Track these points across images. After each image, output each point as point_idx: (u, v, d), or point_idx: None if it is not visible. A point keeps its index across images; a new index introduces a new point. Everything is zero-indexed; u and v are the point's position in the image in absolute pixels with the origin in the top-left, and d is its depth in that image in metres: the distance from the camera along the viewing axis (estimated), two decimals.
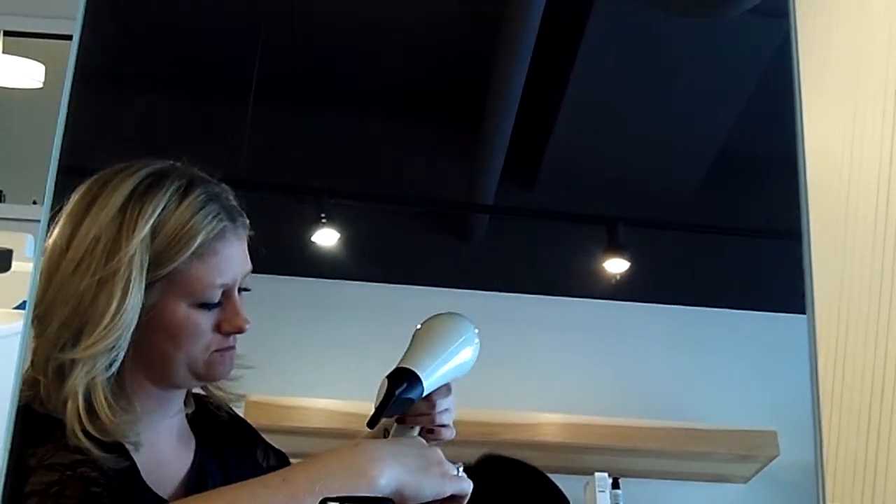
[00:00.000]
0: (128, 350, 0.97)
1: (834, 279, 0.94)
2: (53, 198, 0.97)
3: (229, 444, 1.12)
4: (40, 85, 3.56)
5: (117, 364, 0.96)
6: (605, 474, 2.47)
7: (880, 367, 0.83)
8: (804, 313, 1.16)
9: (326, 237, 2.58)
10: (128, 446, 0.96)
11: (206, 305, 1.00)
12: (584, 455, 2.49)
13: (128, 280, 0.95)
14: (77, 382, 0.93)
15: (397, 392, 1.00)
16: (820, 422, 0.88)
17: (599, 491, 2.44)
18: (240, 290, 1.05)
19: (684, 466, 2.53)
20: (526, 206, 2.78)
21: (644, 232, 2.68)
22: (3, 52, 3.58)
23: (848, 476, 0.84)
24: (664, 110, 2.51)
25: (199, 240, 0.99)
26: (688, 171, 2.67)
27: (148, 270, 0.97)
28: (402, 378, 1.02)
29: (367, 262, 2.66)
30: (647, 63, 2.39)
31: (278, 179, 2.65)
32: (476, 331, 1.12)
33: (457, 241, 2.90)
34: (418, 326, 1.14)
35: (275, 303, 2.66)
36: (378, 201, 2.72)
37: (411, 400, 1.02)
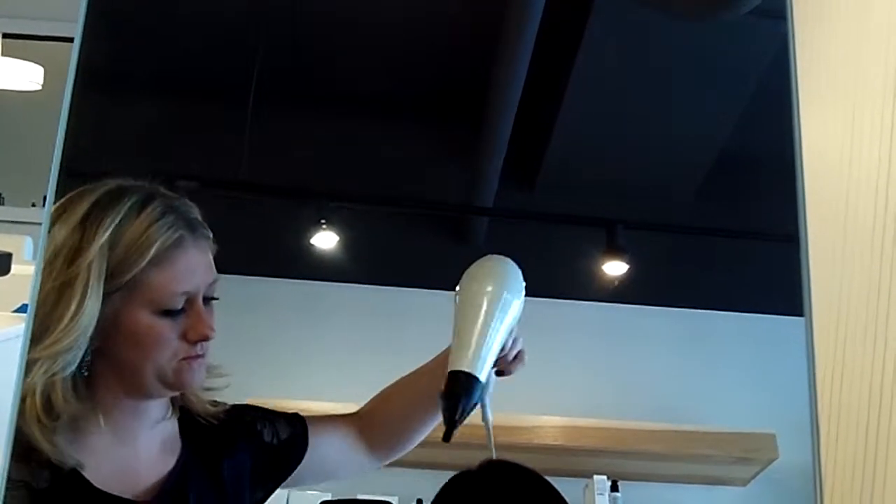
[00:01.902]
0: (100, 363, 1.01)
1: (832, 282, 0.95)
2: (55, 200, 0.97)
3: (225, 446, 1.12)
4: (39, 87, 3.56)
5: (74, 365, 0.99)
6: (604, 477, 2.47)
7: (878, 369, 0.83)
8: (802, 316, 1.16)
9: (326, 240, 2.58)
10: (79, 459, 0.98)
11: (168, 313, 1.03)
12: (582, 458, 2.50)
13: (86, 285, 1.00)
14: (36, 380, 0.96)
15: (459, 412, 1.04)
16: (818, 425, 0.88)
17: (598, 493, 2.45)
18: (208, 299, 1.07)
19: (683, 469, 2.53)
20: (525, 209, 2.78)
21: (643, 234, 2.69)
22: (2, 55, 3.58)
23: (846, 479, 0.84)
24: (663, 113, 2.51)
25: (154, 249, 1.02)
26: (686, 174, 2.68)
27: (107, 279, 1.01)
28: (460, 390, 1.05)
29: (366, 264, 2.66)
30: (646, 66, 2.39)
31: (278, 182, 2.66)
32: (519, 276, 1.17)
33: (456, 244, 2.90)
34: (458, 289, 1.15)
35: (274, 305, 2.66)
36: (377, 204, 2.72)
37: (476, 404, 1.06)
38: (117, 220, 1.02)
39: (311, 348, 2.63)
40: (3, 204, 3.82)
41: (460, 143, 2.66)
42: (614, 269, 2.62)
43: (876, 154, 0.92)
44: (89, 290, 1.00)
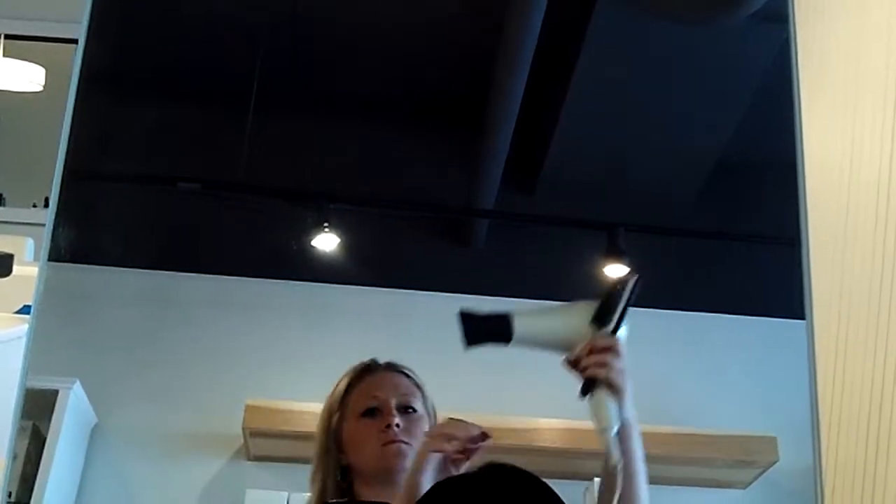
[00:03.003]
0: (350, 474, 1.46)
1: (833, 285, 0.95)
2: (59, 202, 0.98)
3: None
4: (41, 88, 3.56)
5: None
6: None
7: (879, 372, 0.83)
8: (803, 319, 1.16)
9: (326, 242, 2.58)
10: None
11: (367, 414, 1.48)
12: (583, 460, 2.49)
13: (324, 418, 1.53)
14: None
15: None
16: (819, 428, 0.88)
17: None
18: (406, 409, 1.48)
19: (683, 472, 2.53)
20: (526, 212, 2.78)
21: (644, 238, 2.68)
22: (4, 56, 3.59)
23: (847, 482, 0.84)
24: (664, 116, 2.51)
25: (350, 375, 1.54)
26: (688, 177, 2.68)
27: (333, 410, 1.50)
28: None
29: (367, 266, 2.66)
30: (647, 69, 2.39)
31: (278, 184, 2.66)
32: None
33: (457, 247, 2.90)
34: None
35: (274, 307, 2.66)
36: (378, 206, 2.72)
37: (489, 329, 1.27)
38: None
39: (311, 350, 2.63)
40: (4, 205, 3.82)
41: (461, 145, 2.66)
42: (615, 271, 2.62)
43: (877, 157, 0.92)
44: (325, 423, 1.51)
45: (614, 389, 1.32)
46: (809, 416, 0.89)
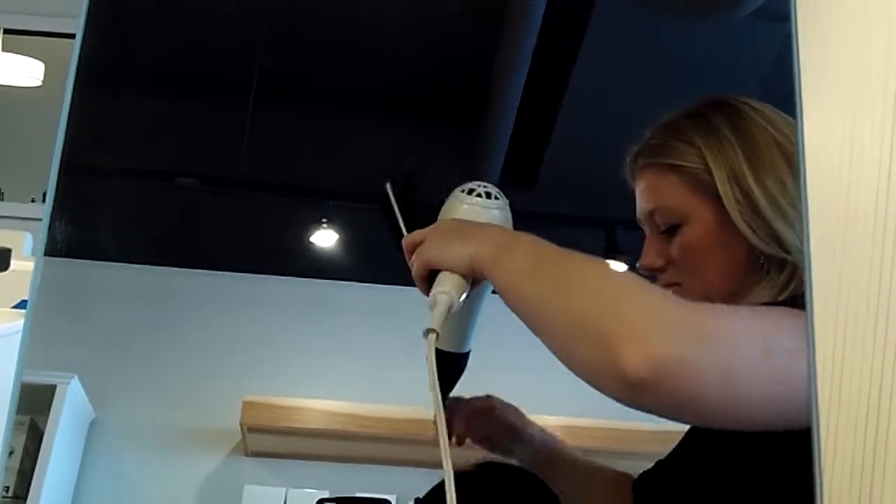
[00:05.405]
0: None
1: (832, 284, 0.94)
2: (55, 196, 0.98)
3: None
4: (40, 83, 3.56)
5: None
6: None
7: (878, 370, 0.83)
8: None
9: (325, 238, 2.58)
10: None
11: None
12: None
13: None
14: None
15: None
16: (818, 426, 0.88)
17: None
18: (670, 228, 1.05)
19: None
20: (525, 209, 2.77)
21: (642, 235, 2.68)
22: (3, 50, 3.58)
23: (845, 480, 0.84)
24: (664, 113, 2.51)
25: None
26: None
27: None
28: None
29: (365, 263, 2.66)
30: (647, 66, 2.39)
31: (278, 180, 2.65)
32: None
33: None
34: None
35: (273, 303, 2.66)
36: (377, 203, 2.72)
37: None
38: None
39: (309, 346, 2.63)
40: (2, 199, 3.82)
41: (460, 142, 2.65)
42: (614, 268, 2.61)
43: (877, 155, 0.92)
44: None
45: (442, 267, 0.99)
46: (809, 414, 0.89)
